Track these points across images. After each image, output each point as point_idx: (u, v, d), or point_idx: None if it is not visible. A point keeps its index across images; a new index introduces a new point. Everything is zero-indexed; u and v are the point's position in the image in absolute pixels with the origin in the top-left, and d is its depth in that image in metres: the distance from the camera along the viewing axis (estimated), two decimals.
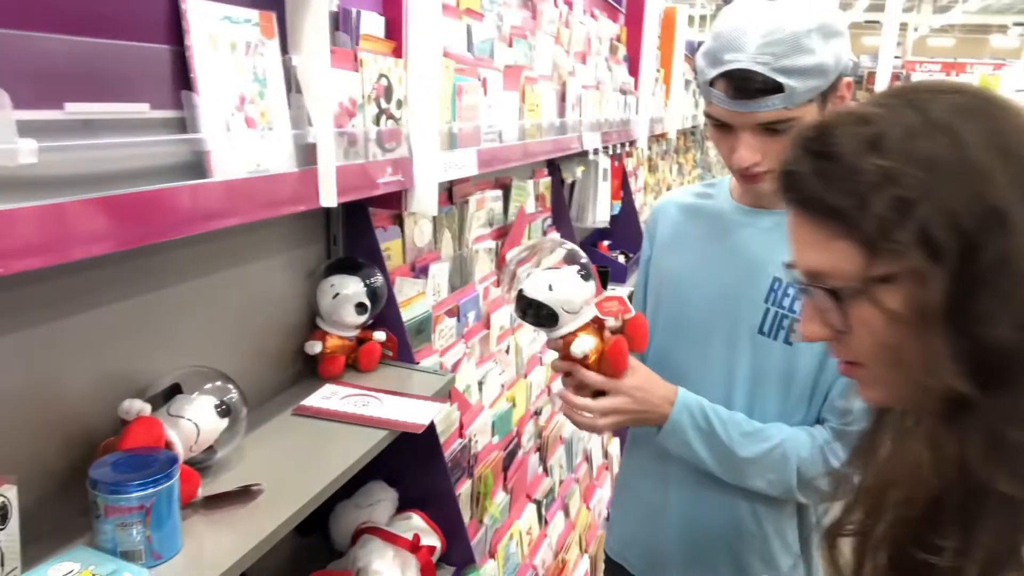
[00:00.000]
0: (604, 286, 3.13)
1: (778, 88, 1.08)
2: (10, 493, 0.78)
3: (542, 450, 2.36)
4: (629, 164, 3.71)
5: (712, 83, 1.14)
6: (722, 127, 1.18)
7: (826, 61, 1.10)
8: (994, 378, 0.60)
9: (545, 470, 2.39)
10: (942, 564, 0.62)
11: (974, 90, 0.67)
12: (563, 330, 1.21)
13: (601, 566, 1.64)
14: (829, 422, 1.23)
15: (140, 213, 0.79)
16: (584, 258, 1.24)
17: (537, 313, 1.19)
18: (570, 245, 1.27)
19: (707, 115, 1.20)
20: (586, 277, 1.21)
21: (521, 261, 1.23)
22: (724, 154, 1.21)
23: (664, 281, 1.40)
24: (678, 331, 1.35)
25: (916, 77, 15.30)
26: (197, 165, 0.90)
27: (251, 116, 0.98)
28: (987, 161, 0.61)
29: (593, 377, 1.22)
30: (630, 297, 1.48)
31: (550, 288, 1.18)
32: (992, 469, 0.60)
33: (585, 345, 1.19)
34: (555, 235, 1.23)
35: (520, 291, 1.20)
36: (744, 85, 1.10)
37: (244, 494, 0.99)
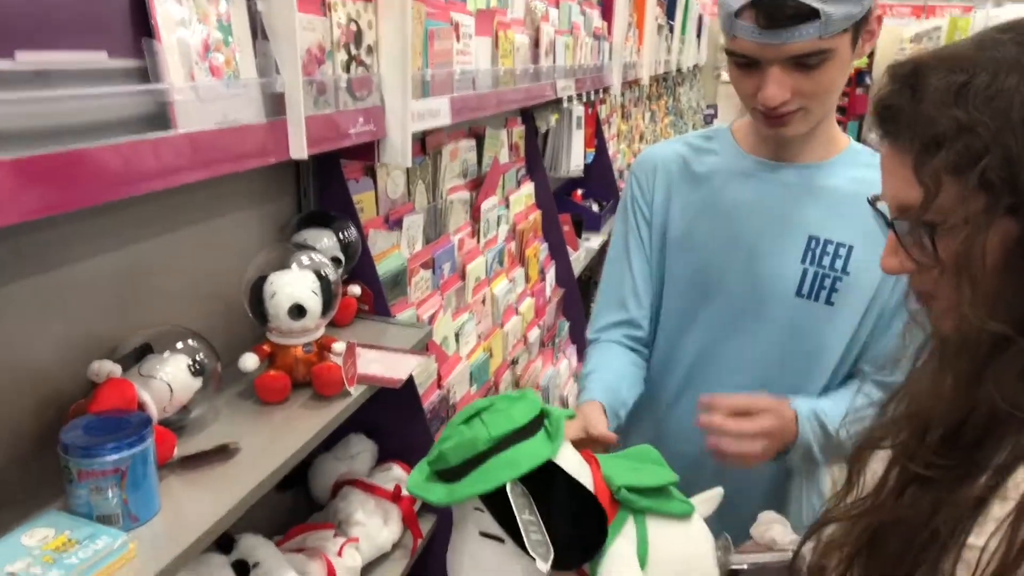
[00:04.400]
0: (579, 235, 3.12)
1: (813, 14, 1.00)
2: None
3: None
4: (602, 112, 3.67)
5: (738, 14, 1.04)
6: (747, 65, 1.09)
7: None
8: None
9: None
10: (945, 478, 0.66)
11: None
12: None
13: None
14: (869, 374, 1.18)
15: (101, 169, 0.76)
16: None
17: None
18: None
19: (729, 52, 1.10)
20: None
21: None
22: (747, 94, 1.12)
23: (678, 250, 1.29)
24: (703, 303, 1.26)
25: (886, 21, 15.23)
26: (160, 117, 0.86)
27: (216, 65, 0.94)
28: None
29: (730, 401, 1.10)
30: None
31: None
32: (1020, 395, 0.63)
33: (247, 362, 1.11)
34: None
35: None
36: (775, 12, 1.01)
37: (221, 453, 0.98)
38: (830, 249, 1.17)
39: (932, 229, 0.67)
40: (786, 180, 1.20)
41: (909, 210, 0.69)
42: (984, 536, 0.62)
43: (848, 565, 0.74)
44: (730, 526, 0.97)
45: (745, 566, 0.89)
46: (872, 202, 0.77)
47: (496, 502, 0.75)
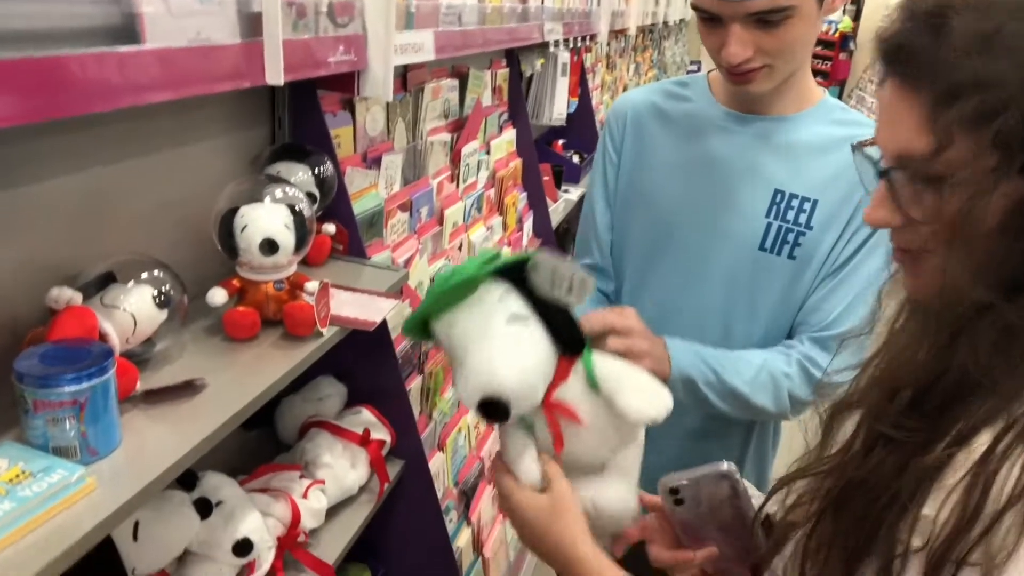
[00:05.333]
0: (558, 185, 3.07)
1: None
2: None
3: None
4: (588, 60, 3.60)
5: None
6: (711, 20, 1.08)
7: None
8: None
9: None
10: (910, 441, 0.65)
11: None
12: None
13: None
14: (808, 327, 1.18)
15: (63, 80, 0.71)
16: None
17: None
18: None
19: (695, 7, 1.09)
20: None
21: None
22: (712, 50, 1.11)
23: (642, 197, 1.27)
24: (664, 253, 1.25)
25: None
26: (128, 29, 0.80)
27: None
28: None
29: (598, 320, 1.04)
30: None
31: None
32: (993, 361, 0.61)
33: (215, 297, 1.07)
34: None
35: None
36: None
37: (187, 388, 0.95)
38: (795, 203, 1.16)
39: (937, 183, 0.63)
40: (755, 132, 1.19)
41: (912, 160, 0.64)
42: (936, 506, 0.61)
43: (816, 522, 0.73)
44: None
45: (684, 481, 0.90)
46: (858, 147, 0.73)
47: (521, 283, 0.83)
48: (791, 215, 1.16)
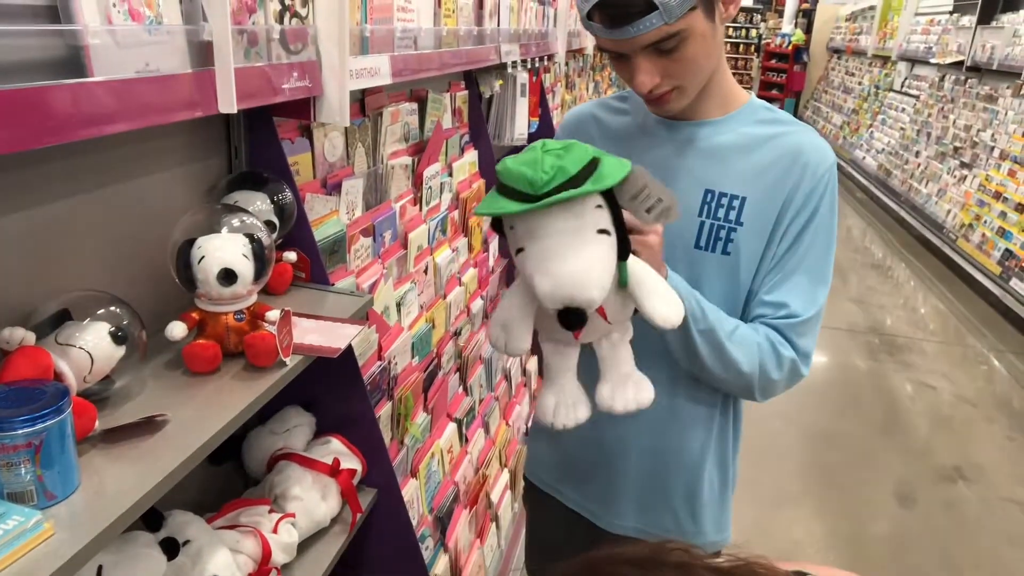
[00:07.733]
0: None
1: (651, 6, 1.03)
2: None
3: (462, 370, 2.34)
4: (547, 80, 3.62)
5: (589, 16, 1.09)
6: (618, 56, 1.14)
7: None
8: None
9: (465, 389, 2.39)
10: None
11: None
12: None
13: (520, 480, 1.63)
14: (764, 317, 1.22)
15: (7, 115, 0.69)
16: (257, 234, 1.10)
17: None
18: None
19: (599, 48, 1.16)
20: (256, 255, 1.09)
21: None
22: (627, 81, 1.17)
23: None
24: None
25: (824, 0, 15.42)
26: (74, 62, 0.79)
27: (136, 8, 0.87)
28: None
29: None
30: None
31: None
32: None
33: (174, 330, 1.05)
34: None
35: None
36: (617, 12, 1.05)
37: (147, 425, 0.93)
38: (724, 201, 1.21)
39: None
40: (684, 137, 1.25)
41: None
42: None
43: None
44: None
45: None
46: None
47: (611, 201, 0.95)
48: (721, 212, 1.21)
